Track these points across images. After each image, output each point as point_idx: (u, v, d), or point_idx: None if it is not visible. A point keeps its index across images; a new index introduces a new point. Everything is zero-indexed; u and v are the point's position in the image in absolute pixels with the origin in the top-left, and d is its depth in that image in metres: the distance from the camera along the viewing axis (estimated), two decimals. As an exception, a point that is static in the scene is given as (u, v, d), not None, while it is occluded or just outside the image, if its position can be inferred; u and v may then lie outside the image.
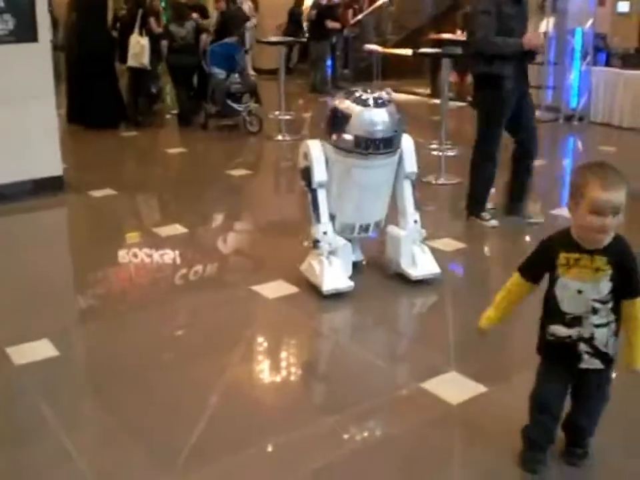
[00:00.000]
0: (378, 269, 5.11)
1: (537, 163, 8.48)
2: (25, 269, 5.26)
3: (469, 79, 12.80)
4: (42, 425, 3.33)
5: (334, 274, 4.61)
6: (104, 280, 5.18)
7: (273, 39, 11.70)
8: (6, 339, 4.09)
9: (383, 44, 15.29)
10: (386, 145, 4.58)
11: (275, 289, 4.75)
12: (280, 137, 9.55)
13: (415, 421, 3.37)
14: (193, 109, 10.60)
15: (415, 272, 4.81)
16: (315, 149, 4.69)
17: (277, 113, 10.16)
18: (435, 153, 7.60)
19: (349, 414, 3.40)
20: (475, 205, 6.25)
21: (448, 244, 5.64)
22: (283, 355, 4.13)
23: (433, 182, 7.37)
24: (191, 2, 11.36)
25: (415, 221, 4.92)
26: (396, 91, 14.17)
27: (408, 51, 10.42)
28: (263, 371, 3.92)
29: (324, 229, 4.67)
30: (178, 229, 6.02)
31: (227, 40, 10.58)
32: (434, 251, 5.35)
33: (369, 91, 4.67)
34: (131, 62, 10.24)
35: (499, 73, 5.68)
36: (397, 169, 4.86)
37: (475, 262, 5.60)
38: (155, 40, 10.40)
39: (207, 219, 6.69)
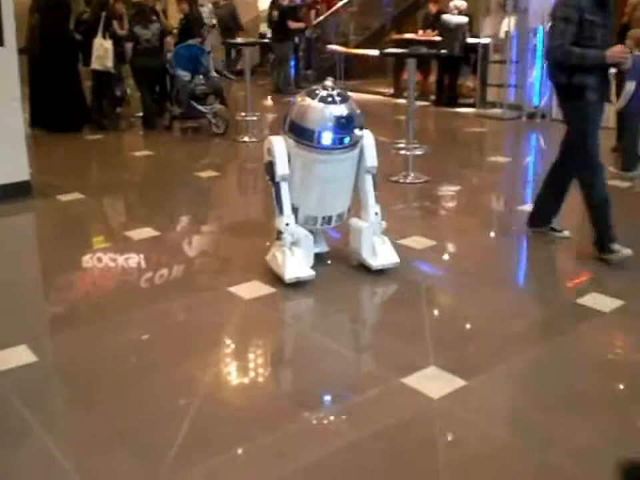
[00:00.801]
0: (344, 260, 5.21)
1: (502, 160, 8.65)
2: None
3: (431, 78, 13.03)
4: (25, 429, 3.31)
5: (296, 263, 4.78)
6: (79, 285, 5.15)
7: (239, 40, 11.71)
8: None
9: (345, 44, 15.38)
10: (345, 140, 4.74)
11: (250, 290, 4.75)
12: (246, 138, 9.56)
13: (398, 415, 3.41)
14: (157, 112, 10.56)
15: (375, 262, 4.97)
16: (278, 144, 4.84)
17: (242, 114, 10.16)
18: (402, 152, 7.64)
19: (331, 410, 3.44)
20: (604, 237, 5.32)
21: (418, 241, 5.68)
22: (261, 354, 4.16)
23: (401, 181, 7.41)
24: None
25: (376, 213, 5.07)
26: (359, 91, 14.27)
27: (374, 52, 10.49)
28: (243, 370, 3.92)
29: (287, 220, 4.82)
30: (149, 232, 6.00)
31: (190, 42, 10.56)
32: (403, 248, 5.44)
33: (329, 88, 4.78)
34: (95, 65, 10.17)
35: (581, 83, 5.11)
36: (358, 164, 4.99)
37: (447, 259, 5.64)
38: (118, 43, 10.35)
39: (177, 221, 6.68)
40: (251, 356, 4.10)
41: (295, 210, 4.91)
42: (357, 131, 4.82)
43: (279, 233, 4.82)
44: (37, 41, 10.09)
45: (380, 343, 4.11)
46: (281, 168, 4.82)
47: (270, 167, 4.88)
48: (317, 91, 4.77)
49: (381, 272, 4.97)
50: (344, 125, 4.72)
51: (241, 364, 3.98)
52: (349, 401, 3.51)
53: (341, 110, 4.71)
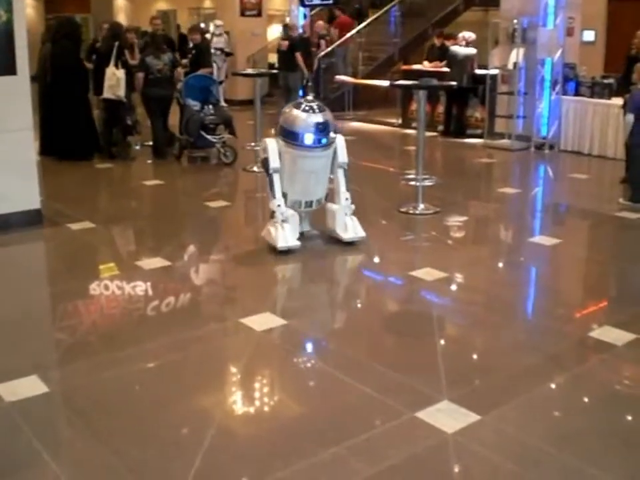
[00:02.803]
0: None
1: (511, 191, 8.66)
2: (5, 305, 5.21)
3: (439, 108, 13.07)
4: (36, 459, 3.30)
5: (286, 235, 6.06)
6: (89, 315, 5.13)
7: (249, 70, 11.77)
8: (-6, 376, 4.06)
9: (354, 75, 15.45)
10: (322, 140, 6.14)
11: (261, 322, 4.74)
12: (255, 168, 9.57)
13: (413, 450, 3.38)
14: (167, 141, 10.60)
15: (346, 235, 6.32)
16: (271, 144, 6.24)
17: (252, 144, 10.17)
18: (412, 183, 7.64)
19: (346, 445, 3.40)
20: None
21: (429, 273, 5.67)
22: (274, 388, 4.13)
23: (411, 212, 7.40)
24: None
25: (346, 198, 6.37)
26: (367, 121, 14.37)
27: (384, 82, 10.52)
28: (256, 404, 3.89)
29: (278, 202, 6.14)
30: (160, 262, 6.00)
31: (201, 72, 10.63)
32: (414, 280, 5.46)
33: (310, 102, 6.31)
34: (107, 94, 10.22)
35: None
36: (333, 160, 6.34)
37: (458, 291, 5.62)
38: (130, 72, 10.41)
39: (188, 251, 6.70)
40: (264, 390, 4.07)
41: (284, 195, 6.22)
42: (331, 134, 6.23)
43: (272, 212, 6.13)
44: (48, 69, 10.15)
45: (393, 376, 4.07)
46: (273, 162, 6.18)
47: (265, 162, 6.24)
48: (301, 103, 6.27)
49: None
50: (322, 129, 6.13)
51: (254, 397, 3.96)
52: (364, 435, 3.48)
53: (319, 118, 6.14)
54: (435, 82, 8.00)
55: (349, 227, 6.33)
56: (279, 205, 6.13)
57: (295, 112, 6.17)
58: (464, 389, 3.92)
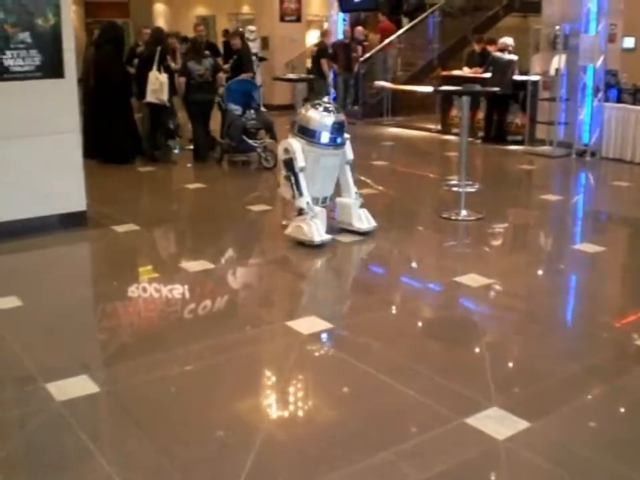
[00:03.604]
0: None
1: (553, 198, 8.60)
2: (54, 305, 5.28)
3: (479, 114, 13.02)
4: (88, 460, 3.33)
5: (319, 230, 6.38)
6: (137, 316, 5.20)
7: (291, 75, 11.81)
8: (45, 375, 4.10)
9: (393, 80, 15.44)
10: (339, 139, 6.57)
11: (308, 325, 4.75)
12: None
13: (464, 456, 3.37)
14: (208, 145, 10.67)
15: (363, 226, 6.76)
16: (295, 144, 6.48)
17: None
18: (454, 189, 7.62)
19: (395, 451, 3.39)
20: None
21: (473, 279, 5.64)
22: (322, 392, 4.11)
23: (453, 218, 7.38)
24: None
25: (356, 192, 6.85)
26: (406, 127, 14.35)
27: (427, 88, 10.50)
28: (305, 408, 3.89)
29: (307, 199, 6.44)
30: (204, 264, 6.03)
31: (243, 76, 10.69)
32: (459, 286, 5.45)
33: (327, 102, 6.78)
34: (150, 98, 10.31)
35: None
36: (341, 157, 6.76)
37: (503, 298, 5.59)
38: (172, 76, 10.50)
39: (231, 254, 6.74)
40: (310, 393, 4.08)
41: None
42: (345, 134, 6.68)
43: (301, 210, 6.41)
44: (91, 73, 10.27)
45: (440, 381, 4.06)
46: (300, 161, 6.44)
47: (289, 163, 6.48)
48: (320, 104, 6.63)
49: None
50: (340, 129, 6.58)
51: (300, 401, 3.97)
52: (413, 441, 3.47)
53: (339, 118, 6.60)
54: (478, 87, 7.97)
55: (363, 218, 6.77)
56: (307, 203, 6.42)
57: (317, 112, 6.52)
58: (512, 396, 3.90)
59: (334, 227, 6.80)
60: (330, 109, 6.60)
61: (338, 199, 6.88)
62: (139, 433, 3.58)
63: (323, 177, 6.63)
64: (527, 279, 6.01)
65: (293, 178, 6.47)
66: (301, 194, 6.44)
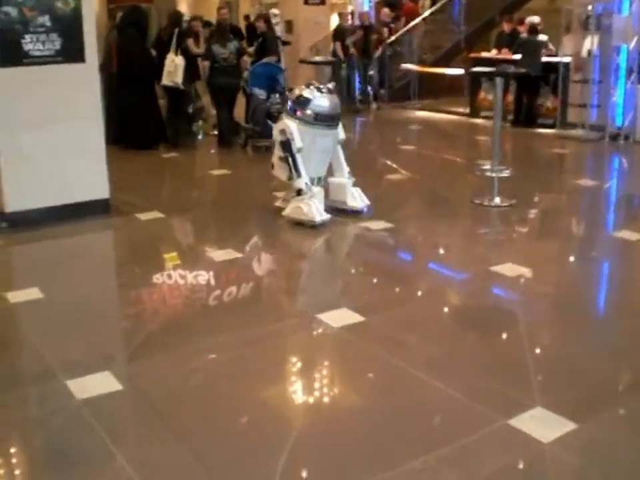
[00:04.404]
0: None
1: (588, 183, 8.34)
2: (75, 297, 5.10)
3: (509, 97, 12.73)
4: (110, 460, 3.16)
5: (319, 210, 6.42)
6: (161, 307, 5.02)
7: (317, 58, 11.59)
8: (65, 371, 3.93)
9: (419, 63, 15.17)
10: (337, 118, 6.68)
11: (339, 317, 4.55)
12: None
13: (508, 460, 3.17)
14: (233, 130, 10.48)
15: (358, 204, 6.80)
16: (292, 126, 6.46)
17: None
18: (487, 174, 7.38)
19: (437, 453, 3.20)
20: None
21: (510, 269, 5.42)
22: (357, 389, 3.90)
23: (486, 204, 7.14)
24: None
25: (349, 172, 6.87)
26: (434, 110, 14.08)
27: (459, 70, 10.24)
28: (339, 405, 3.70)
29: (305, 180, 6.47)
30: (231, 253, 5.85)
31: (267, 60, 10.48)
32: (496, 276, 5.25)
33: (320, 85, 6.71)
34: (165, 81, 10.16)
35: None
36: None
37: (543, 289, 5.35)
38: (191, 60, 10.31)
39: (258, 242, 6.57)
40: (347, 390, 3.88)
41: None
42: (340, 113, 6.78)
43: (300, 190, 6.44)
44: (114, 58, 10.11)
45: (481, 379, 3.85)
46: (298, 142, 6.44)
47: (287, 144, 6.46)
48: (316, 86, 6.62)
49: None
50: (337, 109, 6.65)
51: (337, 397, 3.78)
52: (454, 443, 3.27)
53: (335, 98, 6.70)
54: (512, 69, 7.73)
55: (357, 197, 6.80)
56: (306, 183, 6.45)
57: (314, 93, 6.53)
58: (557, 395, 3.68)
59: (327, 207, 6.70)
60: (323, 90, 6.62)
61: (331, 179, 6.91)
62: (163, 432, 3.41)
63: (318, 157, 6.67)
64: (565, 268, 5.78)
65: (290, 159, 6.48)
66: (299, 175, 6.46)
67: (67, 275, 5.53)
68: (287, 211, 6.56)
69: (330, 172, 6.93)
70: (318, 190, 6.56)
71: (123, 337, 4.66)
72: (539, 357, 4.14)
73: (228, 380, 3.89)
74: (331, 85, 6.85)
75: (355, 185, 6.84)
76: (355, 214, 6.76)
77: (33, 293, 5.03)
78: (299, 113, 6.48)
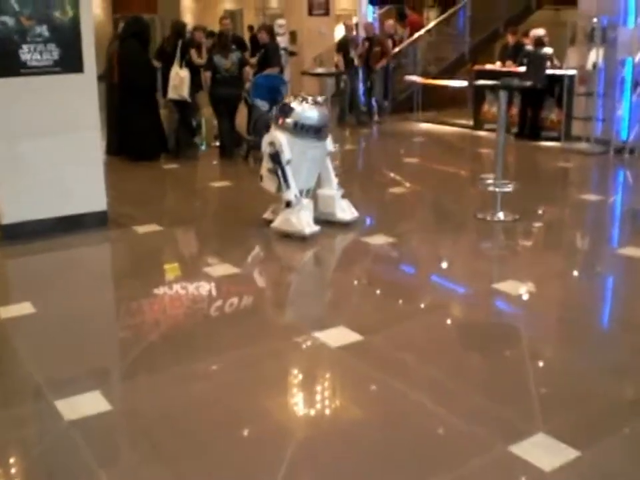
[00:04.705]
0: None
1: (593, 198, 8.22)
2: (68, 312, 5.01)
3: (513, 110, 12.62)
4: (97, 490, 3.06)
5: (309, 222, 6.43)
6: (154, 324, 4.88)
7: (319, 70, 11.50)
8: (55, 390, 3.83)
9: (423, 75, 15.06)
10: (326, 130, 6.69)
11: (337, 337, 4.43)
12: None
13: (506, 490, 3.06)
14: (234, 142, 10.39)
15: (346, 217, 6.83)
16: (282, 137, 6.46)
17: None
18: (490, 188, 7.26)
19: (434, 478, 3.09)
20: None
21: (513, 286, 5.31)
22: (354, 414, 3.78)
23: (489, 219, 7.03)
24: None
25: (337, 183, 6.92)
26: (437, 122, 13.98)
27: (462, 83, 10.15)
28: (337, 430, 3.56)
29: (295, 192, 6.46)
30: (229, 268, 5.75)
31: (270, 71, 10.40)
32: (498, 294, 5.14)
33: (311, 97, 6.71)
34: (172, 94, 10.09)
35: None
36: None
37: (546, 307, 5.24)
38: (195, 70, 10.24)
39: (257, 257, 6.47)
40: (343, 414, 3.76)
41: None
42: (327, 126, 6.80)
43: (289, 203, 6.41)
44: (115, 67, 10.04)
45: (480, 402, 3.74)
46: (287, 154, 6.41)
47: (276, 156, 6.43)
48: (305, 97, 6.65)
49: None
50: (326, 121, 6.72)
51: (334, 422, 3.65)
52: (452, 472, 3.15)
53: (324, 110, 6.77)
54: (517, 82, 7.64)
55: (346, 209, 6.84)
56: (296, 195, 6.44)
57: (305, 105, 6.55)
58: (560, 420, 3.56)
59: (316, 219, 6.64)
60: (317, 101, 6.67)
61: (319, 191, 6.89)
62: (151, 455, 3.31)
63: (307, 169, 6.65)
64: (569, 285, 5.67)
65: (279, 171, 6.45)
66: (288, 186, 6.44)
67: (61, 289, 5.44)
68: (276, 223, 6.54)
69: (318, 184, 6.92)
70: (307, 202, 6.56)
71: (115, 354, 4.56)
72: (542, 378, 4.01)
73: (221, 404, 3.78)
74: (320, 98, 6.87)
75: (343, 196, 6.86)
76: (344, 226, 6.77)
77: (25, 308, 4.94)
78: (281, 121, 6.52)
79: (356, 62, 13.70)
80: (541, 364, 4.25)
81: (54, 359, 4.29)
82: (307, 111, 6.52)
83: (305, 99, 6.62)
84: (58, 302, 5.18)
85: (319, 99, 6.81)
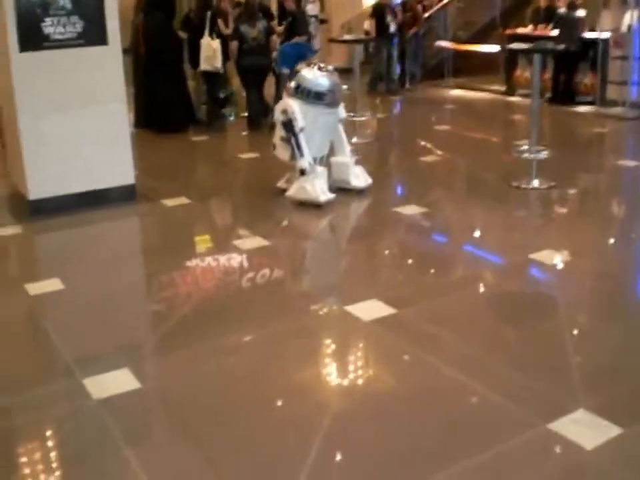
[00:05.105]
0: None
1: (630, 164, 8.02)
2: (96, 288, 4.95)
3: (546, 74, 12.36)
4: (124, 470, 2.99)
5: (324, 189, 6.42)
6: (184, 299, 4.81)
7: (347, 37, 11.30)
8: (83, 367, 3.79)
9: (453, 41, 14.80)
10: (338, 97, 6.71)
11: (369, 310, 4.34)
12: (355, 140, 9.15)
13: (548, 469, 2.95)
14: (262, 112, 10.26)
15: (360, 183, 6.80)
16: (294, 105, 6.45)
17: (351, 114, 9.65)
18: (525, 155, 7.08)
19: (472, 461, 2.99)
20: None
21: (549, 256, 5.17)
22: (389, 391, 3.67)
23: (524, 186, 6.87)
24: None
25: (351, 150, 6.96)
26: (469, 88, 13.74)
27: (495, 47, 9.91)
28: (371, 409, 3.45)
29: (309, 159, 6.43)
30: (259, 241, 5.66)
31: (297, 39, 10.25)
32: (535, 264, 5.02)
33: (322, 65, 6.74)
34: (204, 66, 9.97)
35: None
36: None
37: (586, 277, 5.09)
38: (224, 42, 10.10)
39: (286, 230, 6.38)
40: (378, 392, 3.64)
41: None
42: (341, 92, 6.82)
43: (303, 171, 6.39)
44: (141, 40, 9.92)
45: (518, 377, 3.62)
46: (300, 121, 6.41)
47: (289, 124, 6.43)
48: (318, 66, 6.69)
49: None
50: (338, 88, 6.70)
51: (368, 401, 3.53)
52: (489, 452, 3.05)
53: (336, 78, 6.67)
54: (551, 45, 7.44)
55: (360, 175, 6.81)
56: (310, 163, 6.42)
57: (316, 73, 6.57)
58: (601, 396, 3.44)
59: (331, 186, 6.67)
60: (324, 68, 6.67)
61: (333, 158, 6.87)
62: (184, 436, 3.24)
63: (321, 136, 6.65)
64: (609, 256, 5.49)
65: (293, 139, 6.44)
66: (302, 154, 6.43)
67: (89, 265, 5.38)
68: (291, 192, 6.53)
69: (331, 151, 6.93)
70: (322, 169, 6.56)
71: (145, 331, 4.50)
72: (582, 353, 3.88)
73: (251, 381, 3.70)
74: (331, 67, 6.84)
75: (357, 163, 6.87)
76: (359, 193, 6.78)
77: (53, 284, 4.90)
78: (303, 93, 6.50)
79: (392, 28, 13.36)
80: (578, 337, 4.13)
81: (83, 336, 4.24)
82: (318, 78, 6.53)
83: (319, 67, 6.67)
84: (86, 278, 5.13)
85: (330, 67, 6.81)
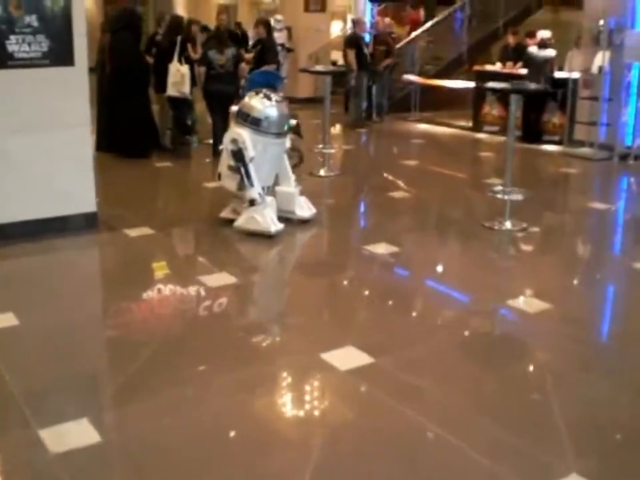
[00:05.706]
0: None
1: (601, 206, 7.92)
2: (54, 323, 4.67)
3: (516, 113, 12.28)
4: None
5: (274, 220, 6.38)
6: (146, 342, 4.49)
7: (319, 67, 11.14)
8: (39, 417, 3.50)
9: (420, 75, 14.75)
10: (288, 127, 6.67)
11: (345, 358, 4.11)
12: (322, 173, 8.95)
13: None
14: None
15: (305, 214, 6.82)
16: (245, 135, 6.36)
17: (320, 146, 9.45)
18: (499, 196, 6.94)
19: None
20: None
21: (529, 303, 5.00)
22: (369, 447, 3.42)
23: (496, 227, 6.72)
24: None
25: (295, 180, 6.91)
26: (435, 123, 13.66)
27: (463, 83, 9.81)
28: (347, 469, 3.23)
29: (258, 190, 6.38)
30: (225, 278, 5.41)
31: (267, 68, 10.06)
32: (515, 311, 4.85)
33: (270, 94, 6.63)
34: (171, 91, 9.72)
35: None
36: None
37: (568, 327, 4.92)
38: (191, 67, 9.89)
39: (256, 267, 6.15)
40: (353, 447, 3.40)
41: None
42: (291, 121, 6.76)
43: (253, 201, 6.33)
44: (107, 61, 9.68)
45: (503, 435, 3.41)
46: (251, 152, 6.33)
47: (239, 154, 6.33)
48: (267, 94, 6.59)
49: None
50: (288, 117, 6.69)
51: (344, 459, 3.30)
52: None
53: (284, 108, 6.70)
54: (533, 86, 7.38)
55: (304, 206, 6.82)
56: (259, 193, 6.36)
57: (266, 102, 6.52)
58: (593, 458, 3.25)
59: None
60: (271, 97, 6.60)
61: (278, 188, 6.81)
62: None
63: (270, 166, 6.61)
64: (591, 302, 5.36)
65: (242, 168, 6.35)
66: (252, 184, 6.35)
67: (47, 298, 5.09)
68: (240, 222, 6.43)
69: (276, 181, 6.85)
70: (271, 199, 6.52)
71: (105, 373, 4.21)
72: (570, 410, 3.67)
73: (218, 433, 3.46)
74: (278, 96, 6.80)
75: (301, 194, 6.82)
76: (303, 223, 6.76)
77: (7, 319, 4.60)
78: (253, 123, 6.41)
79: (369, 60, 13.22)
80: (567, 393, 3.91)
81: (39, 379, 3.95)
82: (267, 107, 6.46)
83: (267, 96, 6.56)
84: (43, 312, 4.82)
85: (278, 96, 6.75)
